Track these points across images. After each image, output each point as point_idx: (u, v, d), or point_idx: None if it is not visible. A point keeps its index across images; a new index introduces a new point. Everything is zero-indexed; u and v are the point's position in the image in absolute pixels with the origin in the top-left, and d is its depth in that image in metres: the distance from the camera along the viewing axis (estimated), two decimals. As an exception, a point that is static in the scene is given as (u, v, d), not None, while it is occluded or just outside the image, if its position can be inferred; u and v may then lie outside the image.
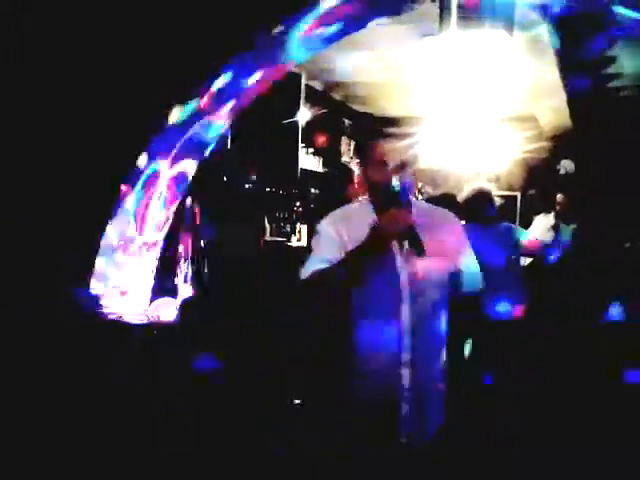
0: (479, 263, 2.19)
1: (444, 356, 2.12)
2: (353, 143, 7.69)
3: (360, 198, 2.19)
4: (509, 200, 8.54)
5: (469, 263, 2.15)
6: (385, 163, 2.02)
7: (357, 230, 2.01)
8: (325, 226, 2.12)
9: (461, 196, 4.26)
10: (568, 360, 4.14)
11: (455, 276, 2.10)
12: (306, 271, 2.04)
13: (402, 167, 2.02)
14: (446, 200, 4.06)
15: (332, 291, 2.01)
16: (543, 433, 3.56)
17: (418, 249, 1.93)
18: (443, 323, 2.10)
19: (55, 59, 3.39)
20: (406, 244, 1.99)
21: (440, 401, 2.11)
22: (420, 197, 6.34)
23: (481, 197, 4.16)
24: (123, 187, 3.69)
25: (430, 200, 4.19)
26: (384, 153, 2.04)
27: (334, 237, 2.07)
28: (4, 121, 3.38)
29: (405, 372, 2.01)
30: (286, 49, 3.78)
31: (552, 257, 4.32)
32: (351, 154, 7.71)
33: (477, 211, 4.11)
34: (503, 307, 3.93)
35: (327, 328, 2.18)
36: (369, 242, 1.92)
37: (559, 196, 6.09)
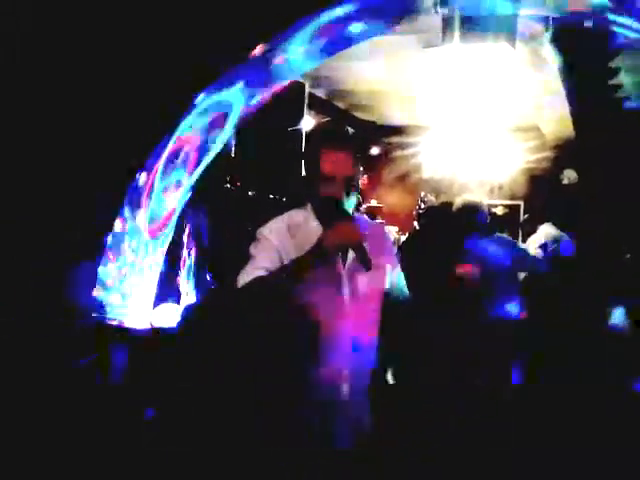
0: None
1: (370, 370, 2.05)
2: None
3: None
4: (512, 209, 8.60)
5: (401, 277, 2.15)
6: (335, 176, 1.89)
7: (300, 240, 1.91)
8: (266, 234, 1.97)
9: (453, 208, 4.30)
10: (568, 366, 4.15)
11: (395, 290, 2.09)
12: (242, 279, 1.90)
13: (350, 180, 1.92)
14: (445, 210, 4.11)
15: (270, 301, 1.87)
16: (537, 437, 3.57)
17: (366, 264, 1.84)
18: (376, 338, 2.05)
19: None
20: (350, 258, 1.91)
21: (366, 413, 2.04)
22: (422, 206, 6.34)
23: (468, 209, 4.19)
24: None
25: (430, 209, 4.24)
26: (335, 164, 1.90)
27: (275, 247, 1.93)
28: (21, 106, 3.38)
29: (345, 387, 1.93)
30: (289, 63, 3.83)
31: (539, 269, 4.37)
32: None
33: (465, 223, 4.14)
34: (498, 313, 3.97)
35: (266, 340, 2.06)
36: (314, 253, 1.80)
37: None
